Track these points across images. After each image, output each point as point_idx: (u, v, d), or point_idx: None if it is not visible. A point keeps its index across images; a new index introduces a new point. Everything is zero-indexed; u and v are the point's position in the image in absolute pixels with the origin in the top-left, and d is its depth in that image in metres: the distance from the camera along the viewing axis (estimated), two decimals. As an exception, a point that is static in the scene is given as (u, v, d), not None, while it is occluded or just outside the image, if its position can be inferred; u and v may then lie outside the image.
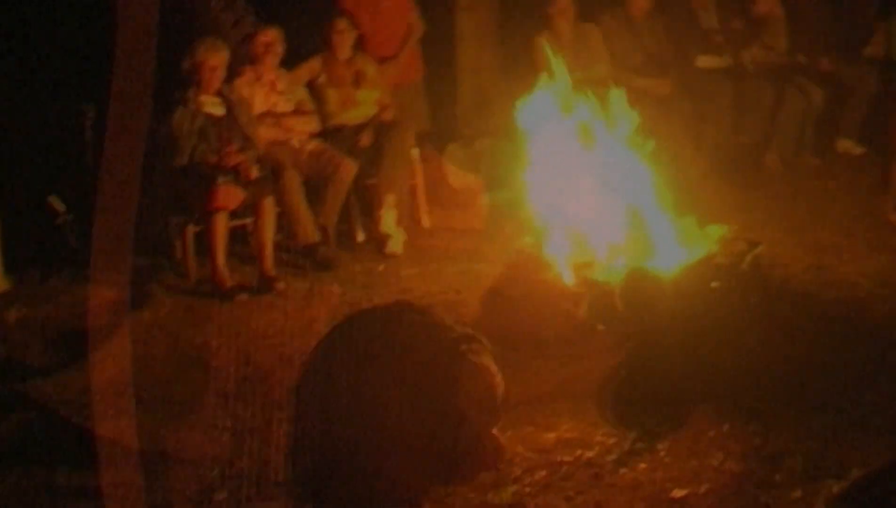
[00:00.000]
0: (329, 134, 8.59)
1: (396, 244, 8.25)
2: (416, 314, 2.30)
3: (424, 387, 2.23)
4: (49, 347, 6.75)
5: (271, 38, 8.27)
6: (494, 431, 3.03)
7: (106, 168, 4.95)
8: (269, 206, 7.65)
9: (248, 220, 7.88)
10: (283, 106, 8.40)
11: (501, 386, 2.32)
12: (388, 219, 8.34)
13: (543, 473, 5.05)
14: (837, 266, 7.52)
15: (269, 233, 7.64)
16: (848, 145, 10.00)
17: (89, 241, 7.89)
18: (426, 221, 8.86)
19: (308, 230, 7.93)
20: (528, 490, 4.90)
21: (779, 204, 8.83)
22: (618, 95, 6.91)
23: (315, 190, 8.14)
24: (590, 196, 6.63)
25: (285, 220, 8.03)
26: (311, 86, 8.65)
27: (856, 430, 5.17)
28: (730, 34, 10.21)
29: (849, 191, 9.06)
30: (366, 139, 8.57)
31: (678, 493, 4.77)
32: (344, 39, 8.68)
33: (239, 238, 8.09)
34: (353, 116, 8.72)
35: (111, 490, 4.91)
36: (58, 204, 7.87)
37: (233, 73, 7.99)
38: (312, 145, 8.38)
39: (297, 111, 8.45)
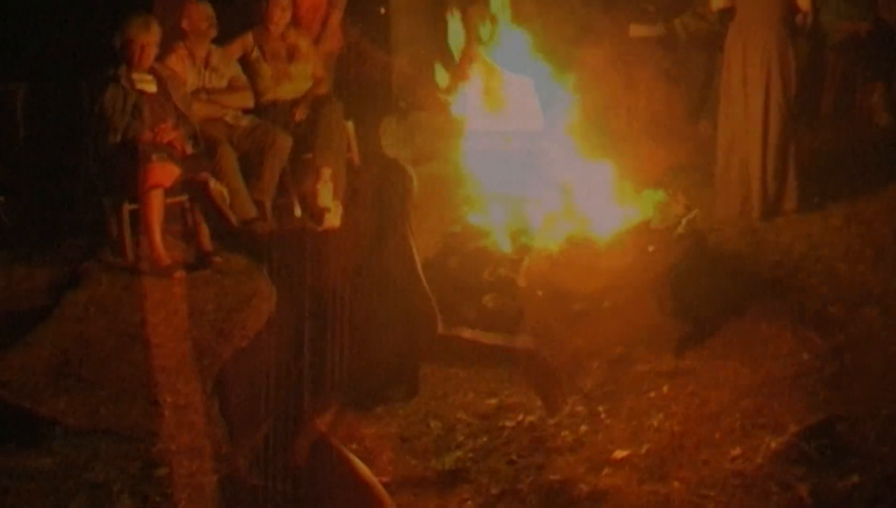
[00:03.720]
0: (263, 109, 8.54)
1: (334, 217, 8.20)
2: None
3: None
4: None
5: (203, 15, 8.20)
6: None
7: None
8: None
9: (184, 197, 7.81)
10: (217, 82, 8.32)
11: None
12: (325, 193, 8.29)
13: (485, 438, 5.08)
14: (771, 230, 7.60)
15: (205, 210, 7.59)
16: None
17: (23, 222, 7.88)
18: (363, 195, 8.83)
19: (244, 205, 7.87)
20: (470, 455, 4.93)
21: (713, 169, 8.90)
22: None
23: (250, 165, 8.09)
24: (525, 165, 6.66)
25: (222, 196, 7.99)
26: (245, 61, 8.58)
27: (792, 388, 5.24)
28: (661, 3, 10.27)
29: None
30: (300, 113, 8.53)
31: (619, 454, 4.81)
32: (284, 15, 8.64)
33: (175, 215, 8.04)
34: (287, 91, 8.66)
35: (53, 470, 4.89)
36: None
37: (165, 49, 7.90)
38: (247, 121, 8.32)
39: (231, 87, 8.38)
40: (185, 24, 8.15)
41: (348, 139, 8.79)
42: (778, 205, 7.82)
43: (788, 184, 7.82)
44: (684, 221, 6.59)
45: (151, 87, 7.61)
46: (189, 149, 7.59)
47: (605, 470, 4.68)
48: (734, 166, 7.90)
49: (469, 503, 4.55)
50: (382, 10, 10.32)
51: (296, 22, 8.86)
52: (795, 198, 7.82)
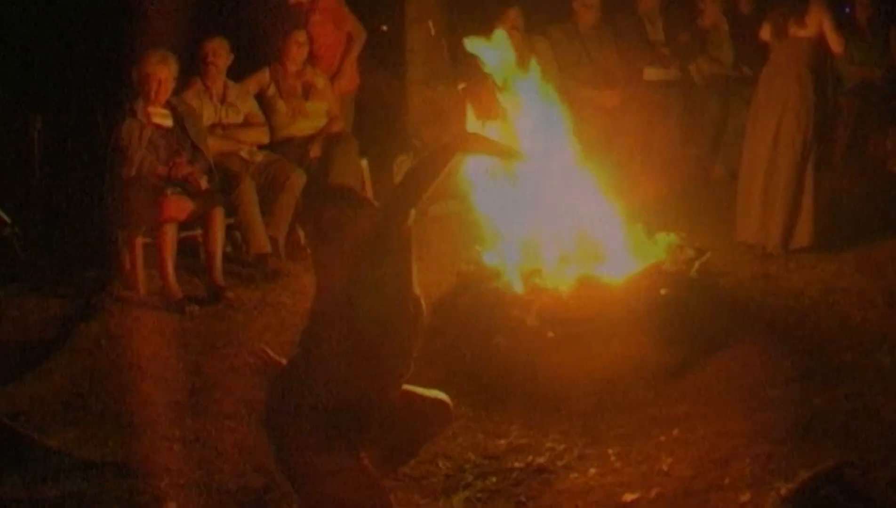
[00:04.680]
0: (278, 145, 8.58)
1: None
2: None
3: None
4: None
5: (218, 49, 8.26)
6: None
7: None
8: (218, 217, 7.60)
9: (198, 232, 7.83)
10: (233, 117, 8.37)
11: None
12: (338, 230, 8.31)
13: (494, 479, 5.06)
14: (784, 274, 7.60)
15: (218, 244, 7.59)
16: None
17: (37, 253, 7.90)
18: (377, 232, 8.84)
19: (260, 240, 7.90)
20: (479, 495, 4.91)
21: (726, 213, 8.90)
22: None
23: (264, 201, 8.11)
24: (539, 204, 6.65)
25: (237, 231, 8.00)
26: (261, 97, 8.64)
27: (802, 433, 5.21)
28: (677, 46, 10.31)
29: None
30: (315, 150, 8.57)
31: (628, 497, 4.78)
32: (301, 52, 8.72)
33: (188, 249, 8.05)
34: (302, 128, 8.72)
35: (61, 502, 4.88)
36: (2, 215, 7.79)
37: (182, 83, 7.94)
38: (261, 156, 8.36)
39: (247, 123, 8.43)
40: (200, 59, 8.22)
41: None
42: (786, 244, 7.86)
43: (800, 223, 7.85)
44: (697, 264, 6.59)
45: (167, 122, 7.66)
46: (204, 184, 7.62)
47: (614, 513, 4.67)
48: (749, 198, 7.97)
49: (477, 543, 4.55)
50: (385, 28, 10.42)
51: (312, 59, 8.93)
52: (807, 236, 7.86)
